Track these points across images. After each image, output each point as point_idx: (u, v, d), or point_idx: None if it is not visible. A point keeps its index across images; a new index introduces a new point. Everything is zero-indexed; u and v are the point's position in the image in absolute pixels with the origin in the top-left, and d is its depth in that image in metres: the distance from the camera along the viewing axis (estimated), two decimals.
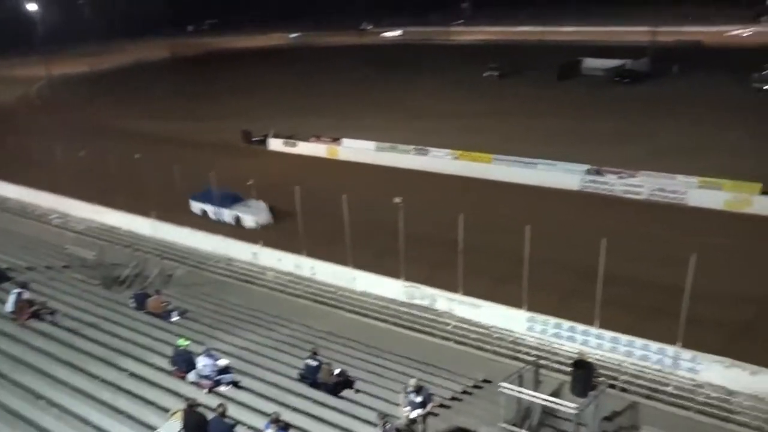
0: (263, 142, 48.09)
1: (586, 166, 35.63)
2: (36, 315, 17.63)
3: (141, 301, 20.01)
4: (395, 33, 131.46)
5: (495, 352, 19.78)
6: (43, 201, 35.42)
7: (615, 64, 69.92)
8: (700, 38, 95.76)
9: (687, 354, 18.01)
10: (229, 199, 31.58)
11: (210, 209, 31.95)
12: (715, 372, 17.68)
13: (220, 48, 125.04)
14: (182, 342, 15.44)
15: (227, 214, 31.34)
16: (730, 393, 17.35)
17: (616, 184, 34.21)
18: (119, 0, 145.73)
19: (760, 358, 17.32)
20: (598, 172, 35.13)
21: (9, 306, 17.34)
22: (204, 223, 29.55)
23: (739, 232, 28.31)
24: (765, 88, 57.18)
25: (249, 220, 30.76)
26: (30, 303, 17.78)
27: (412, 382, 13.74)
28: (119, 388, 14.10)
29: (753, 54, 73.58)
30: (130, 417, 12.97)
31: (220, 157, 44.29)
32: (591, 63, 72.40)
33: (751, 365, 17.23)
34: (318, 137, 46.08)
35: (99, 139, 48.18)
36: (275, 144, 47.43)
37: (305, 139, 46.43)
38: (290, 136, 47.43)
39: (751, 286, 22.74)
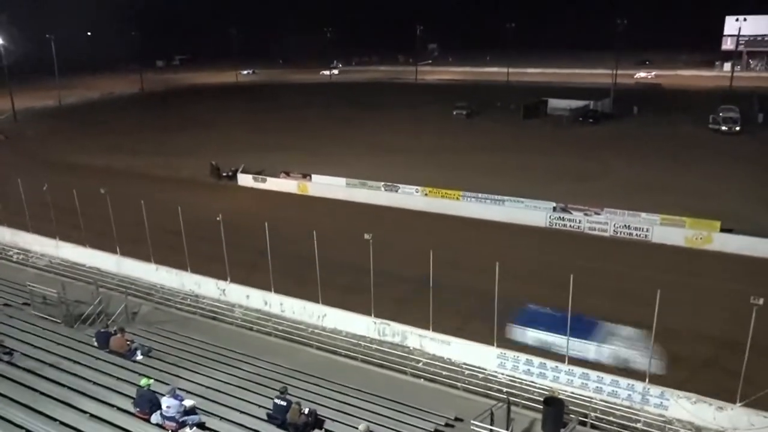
0: (232, 177, 47.85)
1: (552, 203, 36.32)
2: None
3: (104, 340, 19.41)
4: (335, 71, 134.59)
5: (466, 390, 19.65)
6: (3, 236, 34.40)
7: (579, 104, 72.15)
8: (659, 81, 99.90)
9: (655, 390, 18.21)
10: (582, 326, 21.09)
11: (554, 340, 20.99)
12: (683, 408, 17.87)
13: (189, 83, 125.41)
14: (145, 382, 15.00)
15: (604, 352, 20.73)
16: (699, 429, 17.53)
17: (582, 221, 34.88)
18: (90, 35, 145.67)
19: (724, 394, 17.60)
20: (564, 209, 35.82)
21: None
22: (170, 258, 28.95)
23: (699, 268, 29.07)
24: (722, 129, 59.55)
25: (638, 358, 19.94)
26: None
27: (362, 427, 13.66)
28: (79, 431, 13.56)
29: (709, 96, 76.89)
30: None
31: (189, 192, 43.90)
32: (556, 103, 74.58)
33: (717, 401, 17.49)
34: (288, 173, 46.08)
35: (63, 174, 47.39)
36: (244, 179, 47.22)
37: (275, 174, 46.37)
38: (259, 172, 47.34)
39: (713, 321, 23.28)
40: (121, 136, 68.51)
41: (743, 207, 36.57)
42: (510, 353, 20.46)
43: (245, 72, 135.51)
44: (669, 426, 17.70)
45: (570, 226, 35.14)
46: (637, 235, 33.34)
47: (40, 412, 14.22)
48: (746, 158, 49.32)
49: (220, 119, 78.40)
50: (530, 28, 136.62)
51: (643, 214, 34.28)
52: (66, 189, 31.50)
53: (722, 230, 31.77)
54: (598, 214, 35.04)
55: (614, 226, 33.95)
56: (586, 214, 35.16)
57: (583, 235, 34.31)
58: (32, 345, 18.62)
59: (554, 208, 36.17)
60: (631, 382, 18.59)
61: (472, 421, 15.40)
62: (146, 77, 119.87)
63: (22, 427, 13.55)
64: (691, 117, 65.85)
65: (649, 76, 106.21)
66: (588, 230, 34.60)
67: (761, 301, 16.11)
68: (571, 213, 35.57)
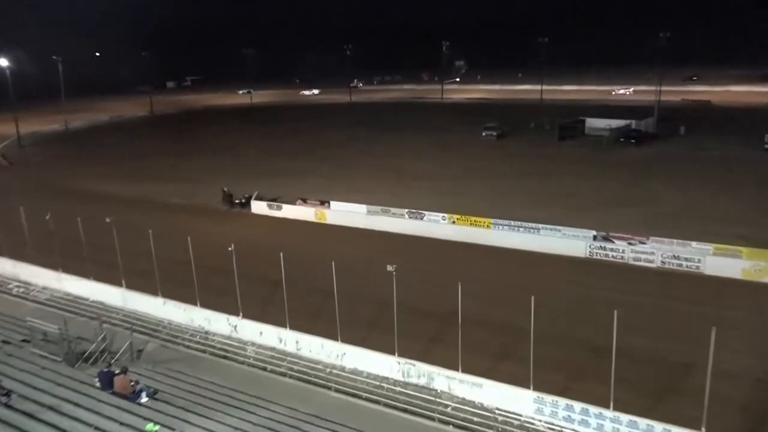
0: (246, 204, 48.29)
1: (593, 232, 35.87)
2: None
3: (107, 380, 19.49)
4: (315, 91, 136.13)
5: None
6: (3, 268, 35.01)
7: (620, 124, 71.78)
8: (707, 98, 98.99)
9: None
10: None
11: None
12: None
13: (201, 105, 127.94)
14: (151, 427, 15.00)
15: None
16: None
17: (626, 250, 34.32)
18: (98, 56, 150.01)
19: None
20: (606, 238, 35.34)
21: None
22: (179, 293, 29.14)
23: (759, 303, 28.29)
24: None
25: None
26: None
27: None
28: None
29: (764, 115, 75.90)
30: None
31: (200, 220, 44.37)
32: (594, 123, 74.33)
33: None
34: (305, 200, 46.36)
35: (67, 201, 48.27)
36: (259, 207, 47.61)
37: (291, 201, 46.68)
38: (275, 199, 47.70)
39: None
40: (130, 161, 69.88)
41: None
42: (548, 397, 19.98)
43: (241, 92, 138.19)
44: None
45: (612, 256, 34.57)
46: (687, 266, 32.63)
47: None
48: None
49: (234, 143, 79.59)
50: (565, 42, 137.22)
51: (694, 244, 33.61)
52: (70, 217, 32.02)
53: None
54: (644, 243, 34.47)
55: (662, 256, 33.30)
56: (630, 243, 34.61)
57: (627, 267, 33.71)
58: (31, 386, 18.77)
59: (595, 237, 35.69)
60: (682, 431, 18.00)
61: None
62: (156, 99, 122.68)
63: None
64: (744, 137, 64.99)
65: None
66: (632, 261, 33.98)
67: None
68: (613, 242, 35.04)
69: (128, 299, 30.05)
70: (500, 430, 19.64)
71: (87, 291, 31.54)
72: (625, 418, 18.77)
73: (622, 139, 67.88)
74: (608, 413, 18.98)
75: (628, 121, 71.90)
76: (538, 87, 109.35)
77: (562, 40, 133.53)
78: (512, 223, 38.26)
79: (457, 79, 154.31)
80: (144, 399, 19.14)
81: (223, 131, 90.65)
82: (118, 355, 23.75)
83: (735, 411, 19.30)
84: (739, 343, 22.57)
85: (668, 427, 18.20)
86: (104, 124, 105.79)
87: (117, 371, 19.77)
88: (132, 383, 19.33)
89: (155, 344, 26.09)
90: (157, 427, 15.02)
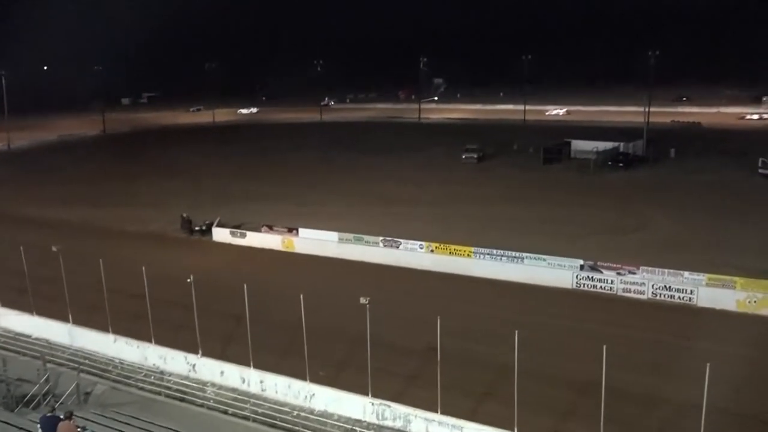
0: (207, 231, 47.96)
1: (579, 261, 36.30)
2: None
3: (50, 427, 19.03)
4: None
5: None
6: None
7: (607, 146, 73.07)
8: (698, 119, 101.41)
9: None
10: None
11: None
12: None
13: (158, 124, 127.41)
14: None
15: None
16: None
17: (615, 281, 34.78)
18: (46, 70, 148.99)
19: None
20: (594, 268, 35.78)
21: None
22: (133, 329, 28.69)
23: (754, 338, 28.76)
24: None
25: None
26: None
27: None
28: None
29: (757, 137, 77.92)
30: None
31: (156, 248, 43.93)
32: (581, 145, 75.41)
33: None
34: (270, 227, 46.21)
35: (8, 227, 47.51)
36: (221, 234, 47.31)
37: (256, 228, 46.51)
38: (238, 225, 47.48)
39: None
40: (80, 185, 69.00)
41: None
42: None
43: (192, 109, 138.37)
44: None
45: (601, 287, 34.98)
46: (679, 297, 33.15)
47: None
48: None
49: (194, 165, 79.20)
50: (550, 60, 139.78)
51: (686, 274, 34.13)
52: (12, 245, 31.55)
53: None
54: (634, 273, 34.96)
55: (652, 287, 33.81)
56: (619, 274, 35.07)
57: (616, 298, 34.12)
58: None
59: (582, 267, 36.09)
60: None
61: None
62: (110, 117, 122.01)
63: None
64: (736, 161, 66.61)
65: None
66: (622, 292, 34.42)
67: None
68: (601, 272, 35.48)
69: (75, 336, 29.50)
70: None
71: (29, 327, 30.94)
72: None
73: (609, 163, 69.15)
74: None
75: (615, 144, 73.22)
76: (521, 107, 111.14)
77: (547, 58, 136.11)
78: (494, 252, 38.55)
79: (436, 98, 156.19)
80: None
81: (181, 152, 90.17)
82: (63, 397, 23.25)
83: None
84: (734, 380, 22.88)
85: None
86: (52, 143, 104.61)
87: (62, 416, 19.31)
88: (78, 429, 18.92)
89: (105, 386, 25.57)
90: None
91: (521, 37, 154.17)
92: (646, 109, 77.76)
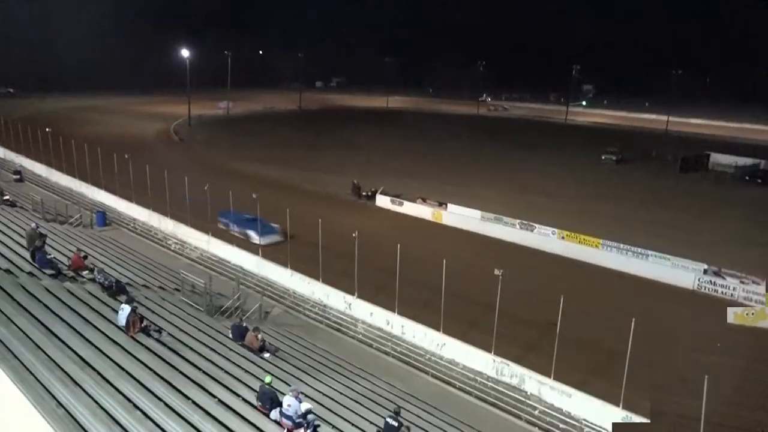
0: (371, 197, 49.56)
1: (704, 265, 33.53)
2: (144, 330, 18.94)
3: (239, 334, 20.93)
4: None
5: None
6: (166, 226, 38.32)
7: (748, 162, 66.18)
8: None
9: None
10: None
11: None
12: None
13: (343, 105, 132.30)
14: (269, 379, 15.95)
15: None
16: None
17: (737, 288, 31.82)
18: (261, 54, 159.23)
19: None
20: (717, 273, 32.92)
21: (122, 320, 18.73)
22: (305, 268, 30.55)
23: None
24: None
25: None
26: (141, 318, 19.19)
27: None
28: (208, 413, 14.69)
29: None
30: None
31: (330, 207, 46.10)
32: (720, 158, 69.03)
33: None
34: (424, 199, 46.84)
35: (222, 176, 51.83)
36: (383, 201, 48.72)
37: (412, 199, 47.34)
38: (398, 195, 48.59)
39: None
40: (277, 148, 73.74)
41: None
42: (636, 417, 19.10)
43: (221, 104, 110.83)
44: None
45: (722, 292, 32.18)
46: None
47: (177, 389, 15.62)
48: None
49: (367, 141, 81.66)
50: (697, 75, 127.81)
51: None
52: (224, 190, 34.51)
53: None
54: (757, 283, 31.73)
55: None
56: (742, 282, 32.01)
57: (735, 305, 31.20)
58: (177, 327, 20.53)
59: (705, 271, 33.36)
60: None
61: None
62: (305, 96, 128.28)
63: (161, 400, 14.97)
64: None
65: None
66: (742, 299, 31.45)
67: None
68: (724, 278, 32.58)
69: (262, 267, 31.96)
70: None
71: (230, 255, 33.89)
72: None
73: (747, 178, 62.55)
74: None
75: (757, 161, 66.13)
76: (664, 117, 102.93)
77: (695, 74, 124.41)
78: (621, 246, 36.56)
79: (584, 103, 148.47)
80: (266, 355, 20.38)
81: (359, 129, 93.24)
82: (249, 313, 25.40)
83: None
84: None
85: None
86: (259, 113, 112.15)
87: (249, 327, 21.15)
88: (259, 339, 20.62)
89: (280, 309, 27.62)
90: (271, 379, 15.99)
91: (671, 51, 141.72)
92: None
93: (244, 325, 21.61)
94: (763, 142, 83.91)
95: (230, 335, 21.13)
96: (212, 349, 19.16)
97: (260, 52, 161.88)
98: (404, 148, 76.44)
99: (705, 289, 32.69)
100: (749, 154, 69.34)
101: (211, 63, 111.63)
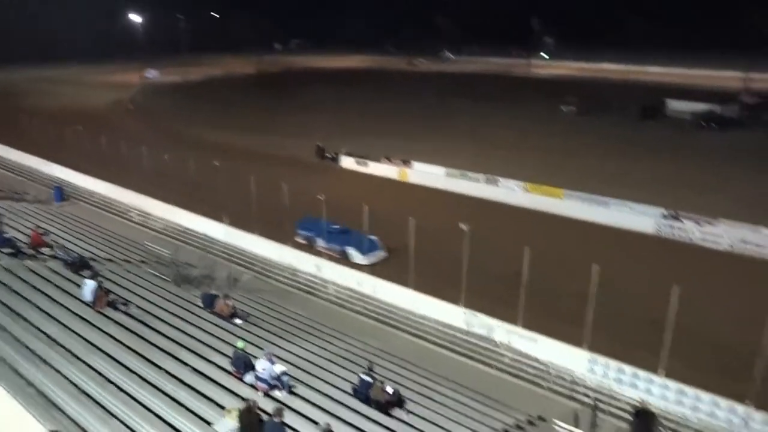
0: (335, 159, 49.23)
1: (663, 210, 34.45)
2: (111, 304, 18.71)
3: (208, 302, 20.83)
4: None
5: (551, 390, 19.33)
6: (126, 198, 37.48)
7: (703, 108, 67.54)
8: None
9: (759, 415, 17.02)
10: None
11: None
12: None
13: (302, 67, 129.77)
14: (242, 344, 16.02)
15: None
16: None
17: (694, 231, 32.87)
18: (213, 16, 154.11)
19: None
20: (675, 217, 33.89)
21: (87, 295, 18.44)
22: (271, 233, 30.36)
23: None
24: None
25: None
26: (107, 292, 18.93)
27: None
28: (181, 382, 14.72)
29: None
30: (189, 410, 13.50)
31: (293, 170, 45.61)
32: (677, 105, 70.37)
33: None
34: (389, 159, 46.74)
35: (180, 146, 50.72)
36: (347, 162, 48.46)
37: (376, 159, 47.18)
38: (362, 156, 48.35)
39: None
40: (237, 114, 72.28)
41: None
42: (602, 359, 19.82)
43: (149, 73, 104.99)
44: None
45: (680, 235, 33.23)
46: (756, 251, 30.93)
47: (149, 360, 15.57)
48: None
49: (330, 103, 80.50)
50: (658, 23, 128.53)
51: (765, 230, 31.69)
52: (182, 160, 33.81)
53: None
54: (712, 224, 32.83)
55: (730, 239, 31.70)
56: (698, 224, 33.07)
57: (693, 247, 32.32)
58: (146, 299, 20.34)
59: (664, 216, 34.31)
60: (732, 404, 17.48)
61: (555, 421, 15.18)
62: (265, 59, 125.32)
63: (133, 372, 14.91)
64: None
65: None
66: (700, 241, 32.55)
67: None
68: (682, 221, 33.59)
69: (229, 234, 31.65)
70: (552, 382, 19.71)
71: (195, 224, 33.41)
72: (674, 385, 18.44)
73: (703, 123, 63.95)
74: (658, 379, 18.68)
75: (712, 106, 67.55)
76: (624, 67, 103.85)
77: (656, 22, 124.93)
78: (583, 194, 37.27)
79: (544, 55, 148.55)
80: (238, 321, 20.38)
81: (320, 92, 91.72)
82: (218, 281, 25.26)
83: None
84: None
85: (716, 398, 17.76)
86: (216, 78, 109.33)
87: (219, 295, 21.07)
88: (229, 306, 20.57)
89: (249, 275, 27.53)
90: (245, 344, 16.06)
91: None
92: (745, 75, 70.79)
93: (213, 292, 21.52)
94: (719, 87, 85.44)
95: (200, 304, 21.02)
96: (182, 319, 19.09)
97: (216, 15, 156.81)
98: (366, 108, 75.72)
99: (664, 232, 33.66)
100: (704, 99, 70.68)
101: (169, 28, 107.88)
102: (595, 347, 20.00)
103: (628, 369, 19.27)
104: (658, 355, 18.34)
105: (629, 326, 22.45)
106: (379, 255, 28.64)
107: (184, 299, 21.49)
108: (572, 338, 20.38)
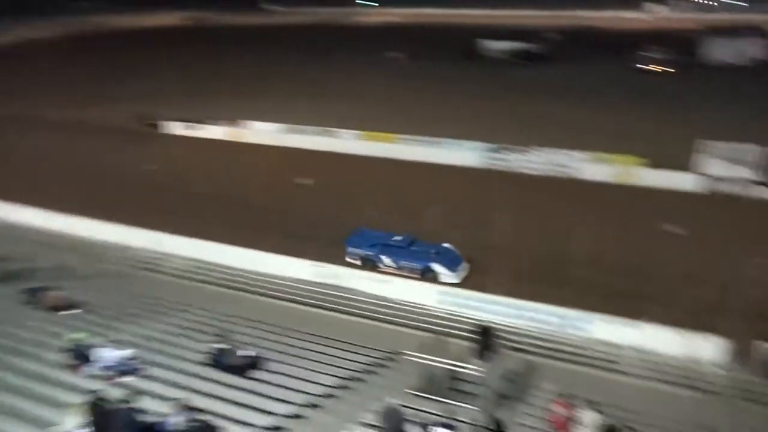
0: (157, 126, 46.07)
1: (487, 144, 37.00)
2: None
3: (36, 295, 18.93)
4: None
5: (405, 325, 20.32)
6: None
7: (515, 46, 72.57)
8: (593, 23, 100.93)
9: (578, 314, 19.44)
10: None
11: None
12: (604, 329, 19.21)
13: (116, 27, 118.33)
14: (78, 336, 14.85)
15: None
16: (618, 347, 18.93)
17: (515, 160, 35.80)
18: None
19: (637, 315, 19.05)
20: (497, 150, 36.59)
21: None
22: (101, 212, 27.97)
23: (626, 203, 30.46)
24: (649, 68, 61.61)
25: None
26: None
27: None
28: (11, 388, 13.36)
29: (638, 37, 78.43)
30: (23, 416, 12.34)
31: (118, 142, 42.20)
32: (490, 45, 74.75)
33: (633, 320, 18.94)
34: (220, 120, 44.84)
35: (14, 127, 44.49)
36: (177, 128, 45.71)
37: (207, 122, 45.03)
38: (189, 119, 45.78)
39: (628, 252, 24.69)
40: (48, 83, 64.48)
41: (662, 145, 37.68)
42: (450, 290, 21.19)
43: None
44: (592, 346, 18.98)
45: (503, 165, 36.04)
46: (567, 172, 34.57)
47: None
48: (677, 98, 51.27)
49: (148, 66, 74.75)
50: None
51: (574, 153, 35.39)
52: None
53: (648, 166, 33.50)
54: (528, 152, 35.91)
55: (545, 164, 35.02)
56: (519, 153, 36.07)
57: (515, 175, 35.21)
58: None
59: (487, 149, 36.84)
60: (560, 310, 19.73)
61: (409, 353, 16.07)
62: (70, 20, 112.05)
63: None
64: (621, 59, 66.96)
65: None
66: (521, 169, 35.56)
67: None
68: (502, 153, 36.38)
69: (51, 220, 28.62)
70: (405, 318, 20.72)
71: (7, 213, 29.71)
72: (513, 302, 20.30)
73: (515, 60, 68.89)
74: (502, 299, 20.43)
75: (522, 44, 72.79)
76: (445, 11, 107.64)
77: None
78: (413, 137, 38.80)
79: (371, 3, 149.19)
80: (73, 311, 18.78)
81: (137, 54, 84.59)
82: (45, 272, 22.94)
83: (600, 292, 21.16)
84: (605, 239, 24.37)
85: (548, 306, 19.90)
86: (18, 44, 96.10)
87: (45, 287, 19.21)
88: (61, 298, 18.87)
89: (80, 261, 25.32)
90: (84, 335, 14.92)
91: None
92: (550, 12, 77.04)
93: (39, 285, 19.56)
94: (531, 26, 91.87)
95: (26, 300, 19.02)
96: (5, 320, 17.16)
97: None
98: (190, 69, 71.52)
99: (489, 165, 36.29)
100: (517, 38, 75.83)
101: None
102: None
103: (474, 294, 20.83)
104: (492, 277, 19.99)
105: (472, 256, 24.14)
106: (465, 267, 23.88)
107: (6, 297, 19.28)
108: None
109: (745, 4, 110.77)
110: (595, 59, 69.15)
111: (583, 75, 61.94)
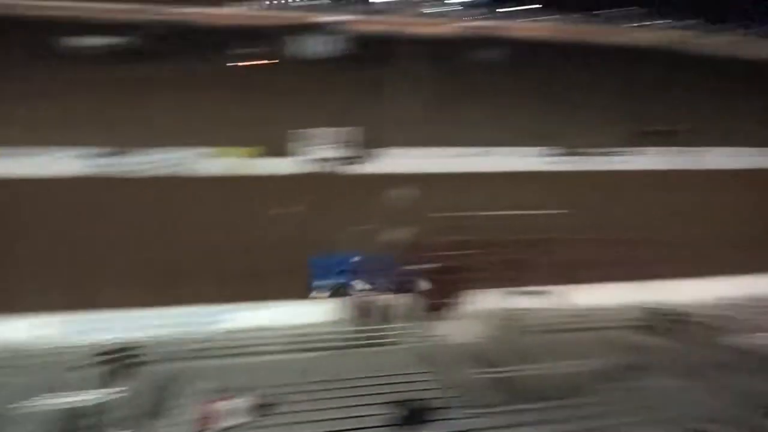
0: None
1: (94, 149, 33.75)
2: None
3: None
4: None
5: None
6: None
7: (103, 42, 67.74)
8: (185, 18, 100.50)
9: (209, 308, 20.02)
10: None
11: None
12: (237, 316, 20.05)
13: None
14: None
15: None
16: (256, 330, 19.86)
17: (127, 163, 33.78)
18: None
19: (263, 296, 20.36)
20: (105, 155, 33.84)
21: None
22: None
23: (246, 193, 31.50)
24: (245, 63, 64.88)
25: None
26: None
27: None
28: None
29: (233, 33, 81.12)
30: None
31: None
32: (77, 42, 67.59)
33: (261, 302, 20.34)
34: None
35: None
36: None
37: None
38: None
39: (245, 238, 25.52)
40: None
41: (266, 135, 38.70)
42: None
43: None
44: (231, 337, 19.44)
45: (114, 171, 33.48)
46: (181, 170, 34.13)
47: None
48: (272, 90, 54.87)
49: None
50: None
51: (186, 150, 35.03)
52: None
53: (265, 155, 35.56)
54: (132, 154, 34.14)
55: (155, 163, 33.99)
56: (130, 156, 34.00)
57: (124, 180, 33.00)
58: None
59: (95, 154, 33.67)
60: (189, 309, 19.58)
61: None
62: None
63: None
64: (217, 54, 68.01)
65: None
66: (133, 171, 33.63)
67: None
68: (109, 157, 33.79)
69: None
70: None
71: None
72: (136, 314, 19.27)
73: (108, 56, 64.22)
74: (118, 314, 19.08)
75: (114, 38, 68.22)
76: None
77: None
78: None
79: None
80: None
81: None
82: None
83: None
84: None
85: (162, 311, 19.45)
86: None
87: None
88: None
89: None
90: None
91: None
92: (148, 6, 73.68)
93: None
94: (122, 20, 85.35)
95: None
96: None
97: None
98: None
99: (96, 173, 33.21)
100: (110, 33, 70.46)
101: None
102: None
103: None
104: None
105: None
106: None
107: None
108: None
109: (326, 2, 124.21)
110: (191, 55, 68.19)
111: (180, 71, 60.78)
